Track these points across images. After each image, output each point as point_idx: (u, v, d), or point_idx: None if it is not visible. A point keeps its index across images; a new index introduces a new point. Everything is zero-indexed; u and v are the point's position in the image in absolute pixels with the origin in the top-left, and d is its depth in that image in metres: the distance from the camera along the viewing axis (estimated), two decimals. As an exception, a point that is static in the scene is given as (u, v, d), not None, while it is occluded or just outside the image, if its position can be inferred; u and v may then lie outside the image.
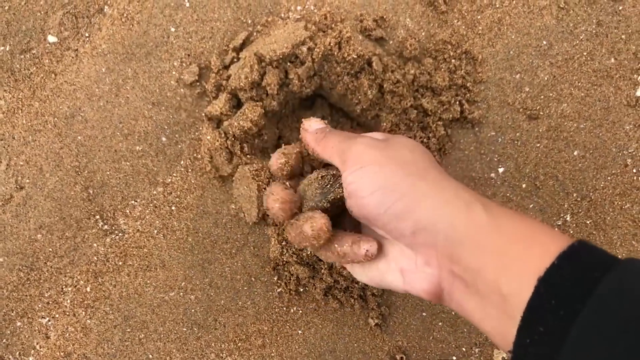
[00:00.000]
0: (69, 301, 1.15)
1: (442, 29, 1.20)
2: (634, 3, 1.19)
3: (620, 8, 1.20)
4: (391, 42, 1.20)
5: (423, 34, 1.20)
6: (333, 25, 1.18)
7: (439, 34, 1.20)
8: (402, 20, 1.21)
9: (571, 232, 1.14)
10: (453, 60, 1.17)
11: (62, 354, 1.16)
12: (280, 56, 1.10)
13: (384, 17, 1.21)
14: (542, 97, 1.18)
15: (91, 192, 1.16)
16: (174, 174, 1.17)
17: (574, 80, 1.18)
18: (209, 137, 1.12)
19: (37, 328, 1.16)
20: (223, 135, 1.11)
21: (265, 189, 1.08)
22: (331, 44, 1.10)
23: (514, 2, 1.21)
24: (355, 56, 1.10)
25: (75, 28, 1.22)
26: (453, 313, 1.17)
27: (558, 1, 1.20)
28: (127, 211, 1.16)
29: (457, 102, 1.15)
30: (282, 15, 1.23)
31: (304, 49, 1.11)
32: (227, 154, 1.12)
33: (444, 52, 1.18)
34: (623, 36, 1.19)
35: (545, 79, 1.18)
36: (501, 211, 0.65)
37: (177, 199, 1.16)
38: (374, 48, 1.16)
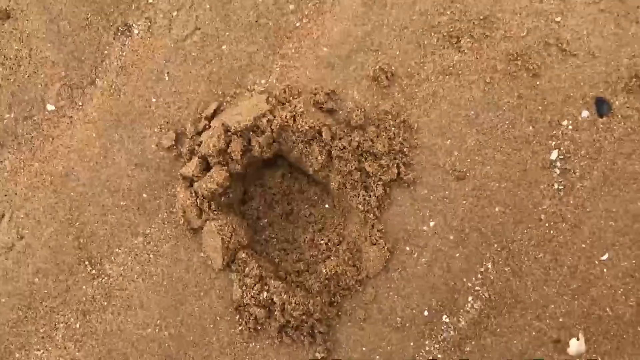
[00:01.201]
0: (60, 336, 1.34)
1: (385, 101, 1.40)
2: (549, 79, 1.39)
3: (538, 83, 1.40)
4: (341, 112, 1.40)
5: (368, 105, 1.40)
6: (291, 99, 1.38)
7: (382, 105, 1.40)
8: (351, 93, 1.41)
9: (492, 277, 1.33)
10: (393, 129, 1.37)
11: (54, 381, 1.34)
12: (244, 127, 1.30)
13: (335, 90, 1.41)
14: (469, 160, 1.37)
15: (82, 241, 1.35)
16: (153, 226, 1.37)
17: (497, 145, 1.38)
18: (182, 196, 1.31)
19: (32, 359, 1.35)
20: (194, 194, 1.31)
21: (229, 242, 1.28)
22: (287, 117, 1.30)
23: (447, 76, 1.41)
24: (307, 127, 1.30)
25: (70, 98, 1.42)
26: (389, 348, 1.35)
27: (485, 76, 1.40)
28: (112, 258, 1.35)
29: (395, 165, 1.34)
30: (249, 87, 1.43)
31: (264, 120, 1.31)
32: (197, 210, 1.31)
33: (385, 121, 1.38)
34: (540, 107, 1.39)
35: (472, 144, 1.38)
36: None
37: (154, 248, 1.36)
38: (325, 118, 1.36)
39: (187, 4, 1.45)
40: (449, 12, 1.43)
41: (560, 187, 1.36)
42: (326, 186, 1.38)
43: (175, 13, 1.45)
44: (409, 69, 1.41)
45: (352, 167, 1.33)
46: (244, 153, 1.31)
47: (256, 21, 1.45)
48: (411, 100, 1.40)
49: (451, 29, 1.42)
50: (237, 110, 1.35)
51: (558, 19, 1.42)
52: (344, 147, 1.33)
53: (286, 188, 1.43)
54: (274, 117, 1.32)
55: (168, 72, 1.41)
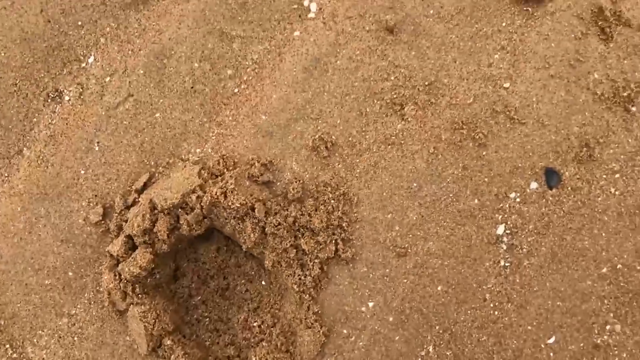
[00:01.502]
0: None
1: (324, 172, 1.34)
2: (496, 149, 1.33)
3: (484, 153, 1.34)
4: (278, 183, 1.34)
5: (307, 176, 1.34)
6: (225, 170, 1.31)
7: (321, 176, 1.34)
8: (289, 163, 1.35)
9: (433, 363, 1.27)
10: (332, 202, 1.31)
11: None
12: (171, 205, 1.24)
13: (273, 161, 1.35)
14: (410, 235, 1.31)
15: (2, 322, 1.29)
16: (78, 306, 1.30)
17: (440, 220, 1.32)
18: (106, 277, 1.25)
19: None
20: (118, 276, 1.24)
21: (153, 328, 1.21)
22: (217, 194, 1.24)
23: (389, 146, 1.35)
24: (238, 205, 1.24)
25: (-4, 168, 1.36)
26: None
27: (428, 146, 1.34)
28: (35, 340, 1.29)
29: (333, 242, 1.28)
30: (183, 156, 1.37)
31: (194, 197, 1.25)
32: (122, 293, 1.25)
33: (324, 193, 1.32)
34: (486, 179, 1.33)
35: (414, 218, 1.31)
36: None
37: (79, 330, 1.29)
38: (260, 192, 1.30)
39: (121, 69, 1.40)
40: (392, 78, 1.37)
41: (506, 264, 1.30)
42: (263, 261, 1.32)
43: (108, 79, 1.40)
44: (350, 138, 1.35)
45: (287, 244, 1.27)
46: (171, 232, 1.25)
47: (192, 87, 1.39)
48: (351, 171, 1.34)
49: (395, 96, 1.37)
50: (168, 184, 1.29)
51: (507, 84, 1.36)
52: (279, 224, 1.27)
53: (221, 262, 1.37)
54: (204, 193, 1.25)
55: (98, 142, 1.35)
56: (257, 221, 1.27)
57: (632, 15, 1.35)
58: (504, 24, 1.38)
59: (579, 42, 1.34)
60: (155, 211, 1.24)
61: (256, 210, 1.25)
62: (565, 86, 1.35)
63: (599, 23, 1.35)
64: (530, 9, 1.39)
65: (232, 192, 1.24)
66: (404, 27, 1.38)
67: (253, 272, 1.37)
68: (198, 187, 1.26)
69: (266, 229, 1.27)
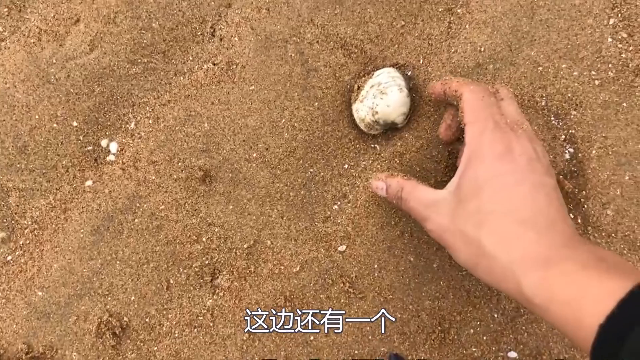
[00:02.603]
0: None
1: (113, 365, 1.07)
2: (327, 333, 1.07)
3: (312, 338, 1.07)
4: (51, 381, 1.07)
5: (90, 370, 1.07)
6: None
7: (108, 370, 1.07)
8: (69, 354, 1.08)
9: None
10: (116, 408, 1.04)
11: None
12: None
13: (48, 350, 1.08)
14: None
15: None
16: None
17: None
18: None
19: None
20: None
21: None
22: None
23: (196, 329, 1.08)
24: None
25: None
26: None
27: (245, 328, 1.08)
28: None
29: None
30: (-61, 345, 1.09)
31: None
32: None
33: (107, 397, 1.05)
34: (314, 371, 1.06)
35: None
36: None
37: None
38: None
39: None
40: (204, 239, 1.11)
41: None
42: None
43: None
44: (147, 319, 1.08)
45: None
46: None
47: (-47, 256, 1.12)
48: (147, 364, 1.07)
49: (206, 262, 1.10)
50: None
51: (342, 247, 1.10)
52: None
53: None
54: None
55: None
56: None
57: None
58: (345, 166, 1.13)
59: (424, 202, 1.08)
60: None
61: None
62: (415, 248, 1.09)
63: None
64: (378, 147, 1.14)
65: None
66: (220, 175, 1.12)
67: None
68: None
69: None
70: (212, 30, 1.16)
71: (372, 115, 1.04)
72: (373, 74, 1.07)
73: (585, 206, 1.07)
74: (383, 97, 1.02)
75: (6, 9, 1.19)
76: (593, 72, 1.08)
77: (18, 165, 1.14)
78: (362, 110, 1.06)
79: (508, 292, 0.68)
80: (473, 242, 0.71)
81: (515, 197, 0.71)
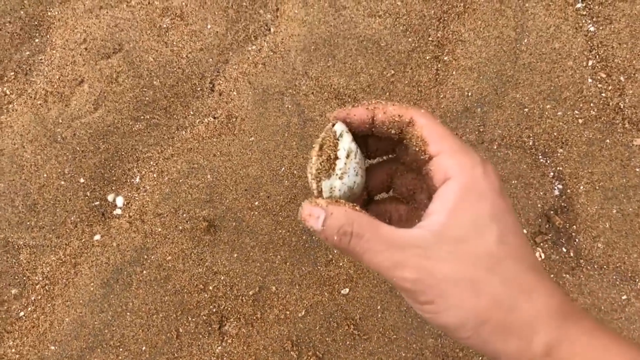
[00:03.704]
0: None
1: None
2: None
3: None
4: None
5: None
6: None
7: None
8: (82, 407, 1.10)
9: None
10: None
11: None
12: None
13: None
14: None
15: None
16: None
17: None
18: None
19: None
20: None
21: None
22: None
23: (207, 377, 1.11)
24: None
25: None
26: None
27: (254, 374, 1.10)
28: None
29: None
30: (-45, 403, 1.12)
31: None
32: None
33: None
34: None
35: None
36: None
37: None
38: None
39: None
40: (211, 288, 1.15)
41: None
42: None
43: None
44: (159, 370, 1.11)
45: None
46: None
47: (-33, 314, 1.15)
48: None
49: (214, 310, 1.14)
50: None
51: (345, 290, 1.14)
52: None
53: None
54: None
55: None
56: None
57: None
58: (345, 210, 1.17)
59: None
60: None
61: None
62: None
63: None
64: (375, 190, 1.18)
65: None
66: (224, 224, 1.17)
67: None
68: None
69: None
70: (211, 86, 1.22)
71: (348, 193, 0.63)
72: (342, 136, 0.61)
73: (577, 240, 1.11)
74: (364, 173, 0.61)
75: (13, 73, 1.24)
76: (576, 112, 1.14)
77: (28, 223, 1.18)
78: (340, 189, 0.62)
79: (508, 351, 0.55)
80: (486, 292, 0.55)
81: (522, 238, 0.61)
